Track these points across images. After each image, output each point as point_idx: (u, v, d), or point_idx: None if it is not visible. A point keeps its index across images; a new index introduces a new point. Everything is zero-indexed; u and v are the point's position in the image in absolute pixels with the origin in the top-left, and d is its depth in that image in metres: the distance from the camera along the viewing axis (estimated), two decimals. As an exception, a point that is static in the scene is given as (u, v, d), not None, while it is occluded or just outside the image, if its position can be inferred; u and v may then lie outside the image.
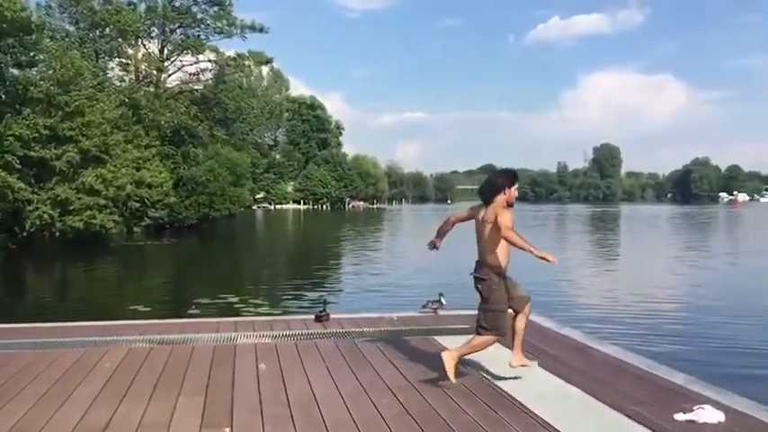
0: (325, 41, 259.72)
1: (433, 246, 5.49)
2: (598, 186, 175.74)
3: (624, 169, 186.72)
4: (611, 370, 5.42)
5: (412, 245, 31.26)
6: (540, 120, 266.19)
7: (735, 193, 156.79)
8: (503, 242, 4.83)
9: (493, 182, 5.06)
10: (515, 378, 5.07)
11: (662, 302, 13.30)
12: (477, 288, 5.03)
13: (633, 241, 35.40)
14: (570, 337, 6.66)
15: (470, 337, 5.14)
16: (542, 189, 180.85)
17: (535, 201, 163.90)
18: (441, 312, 7.76)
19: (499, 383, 4.95)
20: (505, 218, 4.79)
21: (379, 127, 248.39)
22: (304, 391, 4.80)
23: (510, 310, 5.07)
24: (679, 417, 4.20)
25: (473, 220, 5.11)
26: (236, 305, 12.57)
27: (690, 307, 12.74)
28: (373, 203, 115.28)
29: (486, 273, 4.92)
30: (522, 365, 5.09)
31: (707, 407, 4.27)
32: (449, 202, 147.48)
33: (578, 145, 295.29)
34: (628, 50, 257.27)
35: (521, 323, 5.10)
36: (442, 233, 5.40)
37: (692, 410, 4.24)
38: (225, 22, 41.58)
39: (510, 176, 5.05)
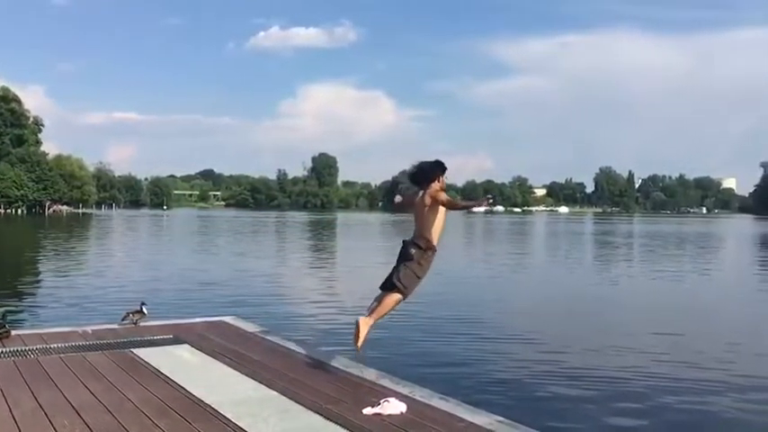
0: (25, 28, 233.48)
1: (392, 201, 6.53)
2: (316, 194, 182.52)
3: (340, 178, 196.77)
4: (310, 371, 5.59)
5: (117, 253, 29.34)
6: (260, 127, 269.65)
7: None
8: (437, 224, 5.51)
9: (428, 171, 5.65)
10: (213, 386, 4.98)
11: (362, 306, 14.13)
12: (406, 252, 5.47)
13: (347, 248, 37.37)
14: (274, 341, 6.74)
15: (378, 300, 5.52)
16: (262, 196, 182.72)
17: (255, 207, 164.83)
18: (142, 323, 7.34)
19: (196, 393, 4.80)
20: (444, 195, 5.53)
21: (87, 126, 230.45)
22: (-34, 421, 4.17)
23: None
24: (367, 411, 4.46)
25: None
26: None
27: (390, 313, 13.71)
28: (79, 208, 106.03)
29: (425, 243, 5.48)
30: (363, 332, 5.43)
31: (392, 399, 4.61)
32: (165, 207, 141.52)
33: (297, 153, 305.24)
34: (343, 65, 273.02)
35: (393, 299, 5.48)
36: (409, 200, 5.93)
37: (378, 404, 4.54)
38: None
39: (442, 166, 5.70)
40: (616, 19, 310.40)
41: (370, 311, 5.54)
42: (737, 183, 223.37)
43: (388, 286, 5.51)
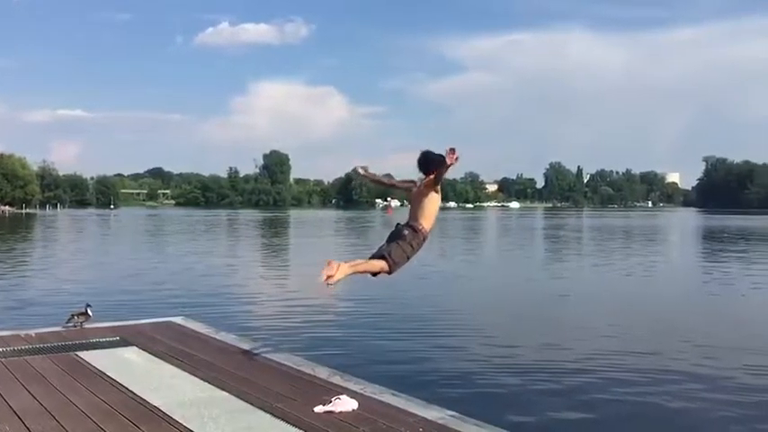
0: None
1: (354, 170, 6.31)
2: (269, 192, 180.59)
3: (293, 176, 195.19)
4: (261, 370, 5.55)
5: (61, 253, 28.56)
6: (210, 124, 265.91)
7: (388, 199, 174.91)
8: (431, 211, 5.60)
9: (433, 160, 5.59)
10: (161, 388, 4.91)
11: (315, 304, 14.05)
12: (400, 232, 5.50)
13: (299, 245, 37.14)
14: (224, 341, 6.68)
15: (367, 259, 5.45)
16: (213, 194, 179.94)
17: (206, 206, 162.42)
18: (87, 325, 7.17)
19: (143, 395, 4.72)
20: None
21: (29, 124, 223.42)
22: None
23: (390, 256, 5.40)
24: (318, 409, 4.46)
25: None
26: None
27: (342, 311, 13.71)
28: (22, 208, 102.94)
29: (421, 228, 5.52)
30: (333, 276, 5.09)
31: (343, 397, 4.61)
32: (112, 206, 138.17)
33: (249, 151, 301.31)
34: (294, 62, 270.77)
35: (378, 263, 5.39)
36: (377, 177, 6.40)
37: (330, 401, 4.54)
38: None
39: (443, 159, 5.54)
40: (564, 17, 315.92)
41: (350, 262, 5.34)
42: (681, 177, 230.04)
43: (377, 258, 5.44)
